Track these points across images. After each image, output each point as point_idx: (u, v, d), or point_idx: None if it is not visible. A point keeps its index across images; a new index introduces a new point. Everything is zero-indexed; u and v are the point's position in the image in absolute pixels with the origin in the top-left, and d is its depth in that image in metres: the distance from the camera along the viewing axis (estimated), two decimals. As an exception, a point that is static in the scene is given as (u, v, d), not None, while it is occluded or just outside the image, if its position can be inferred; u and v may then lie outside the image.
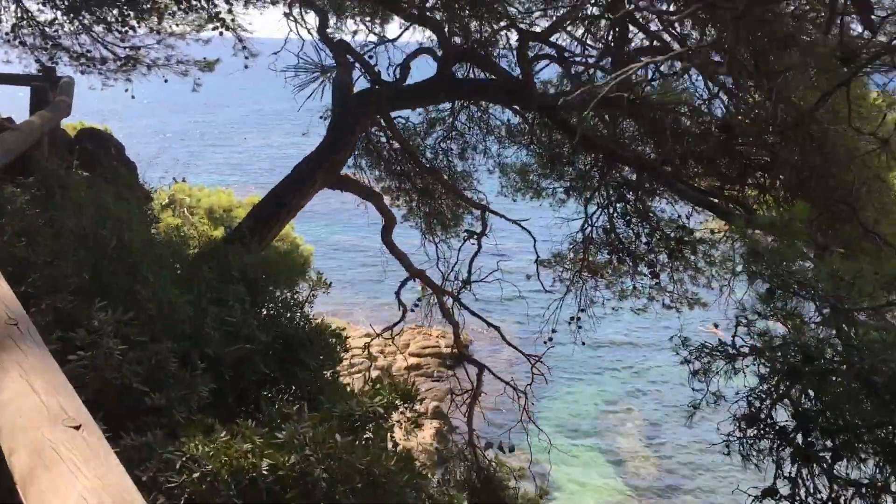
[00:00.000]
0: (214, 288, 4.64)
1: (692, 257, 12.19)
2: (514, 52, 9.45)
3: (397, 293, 12.36)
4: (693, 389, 7.27)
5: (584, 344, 12.94)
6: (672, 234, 12.03)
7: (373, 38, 10.85)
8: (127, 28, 15.22)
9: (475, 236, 11.87)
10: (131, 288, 3.98)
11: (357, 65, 10.25)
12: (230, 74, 15.34)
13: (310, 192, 9.32)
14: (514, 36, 9.64)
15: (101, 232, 4.17)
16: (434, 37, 10.20)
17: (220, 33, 14.20)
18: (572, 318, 12.73)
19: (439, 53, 9.88)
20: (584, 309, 12.71)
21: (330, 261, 36.68)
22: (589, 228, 11.96)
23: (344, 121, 9.43)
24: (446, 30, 9.48)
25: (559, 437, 22.74)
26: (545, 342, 12.81)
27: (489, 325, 11.91)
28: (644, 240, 12.05)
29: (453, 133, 11.85)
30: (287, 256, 21.57)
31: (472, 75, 10.45)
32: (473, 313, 11.92)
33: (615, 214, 12.02)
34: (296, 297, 5.02)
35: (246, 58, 14.77)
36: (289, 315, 4.64)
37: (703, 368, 7.18)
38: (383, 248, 12.06)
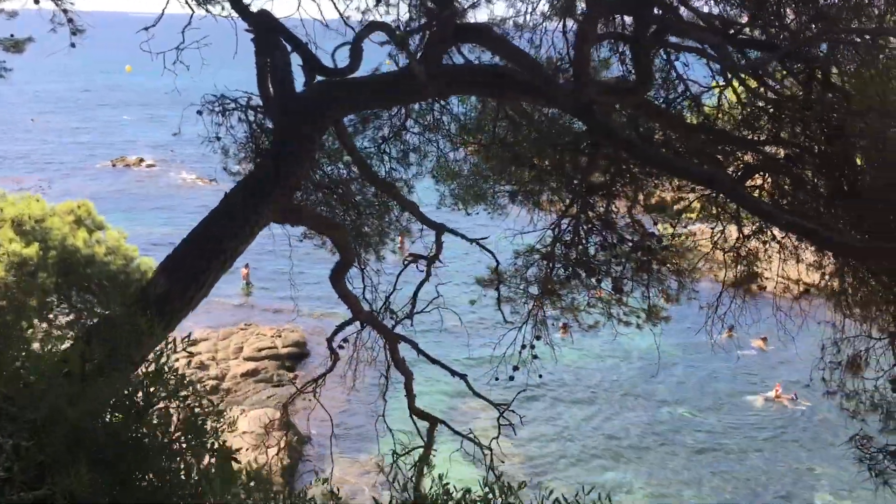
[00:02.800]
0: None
1: (660, 268, 10.32)
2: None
3: (330, 339, 9.41)
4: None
5: (541, 377, 10.69)
6: (639, 244, 10.08)
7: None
8: None
9: (420, 261, 9.19)
10: None
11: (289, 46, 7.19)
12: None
13: (254, 231, 6.27)
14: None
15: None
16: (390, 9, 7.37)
17: (36, 1, 10.66)
18: (524, 346, 10.41)
19: (413, 28, 7.03)
20: (539, 336, 10.44)
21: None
22: (556, 243, 9.67)
23: (296, 127, 6.41)
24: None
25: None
26: (494, 378, 10.47)
27: (454, 374, 9.31)
28: (610, 251, 9.98)
29: (389, 133, 9.07)
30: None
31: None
32: (434, 361, 9.23)
33: (583, 224, 9.82)
34: None
35: (73, 34, 11.32)
36: None
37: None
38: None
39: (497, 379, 10.49)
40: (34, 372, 2.95)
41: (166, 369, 3.25)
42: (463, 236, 8.91)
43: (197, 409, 3.15)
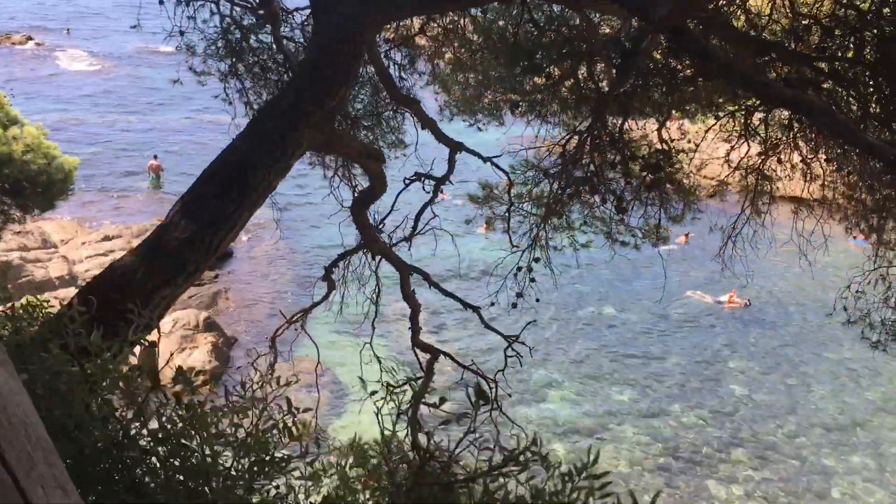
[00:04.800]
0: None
1: (667, 186, 9.59)
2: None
3: (329, 269, 8.26)
4: None
5: (538, 301, 9.87)
6: (650, 161, 9.27)
7: None
8: None
9: (425, 179, 8.09)
10: None
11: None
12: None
13: (290, 163, 5.06)
14: None
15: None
16: None
17: None
18: (520, 269, 9.58)
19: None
20: (538, 258, 9.60)
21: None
22: (567, 163, 8.71)
23: (338, 40, 5.13)
24: None
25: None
26: (491, 303, 9.64)
27: (466, 306, 8.40)
28: (621, 169, 9.15)
29: (396, 37, 7.78)
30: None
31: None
32: (447, 293, 8.28)
33: (594, 140, 8.88)
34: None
35: None
36: None
37: None
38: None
39: (493, 304, 9.69)
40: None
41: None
42: (478, 155, 7.86)
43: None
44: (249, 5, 7.60)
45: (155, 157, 35.22)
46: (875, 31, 7.00)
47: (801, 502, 18.61)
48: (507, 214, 8.66)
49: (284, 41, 7.66)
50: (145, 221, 31.39)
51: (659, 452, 20.14)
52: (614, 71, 7.89)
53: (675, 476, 19.32)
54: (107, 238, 29.16)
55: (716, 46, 6.02)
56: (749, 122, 8.55)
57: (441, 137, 7.60)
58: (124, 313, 4.87)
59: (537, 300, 9.81)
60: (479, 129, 8.90)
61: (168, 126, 40.36)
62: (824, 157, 8.52)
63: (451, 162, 7.86)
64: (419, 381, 8.91)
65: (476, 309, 8.33)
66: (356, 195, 7.34)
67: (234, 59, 8.43)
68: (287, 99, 5.15)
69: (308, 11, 8.11)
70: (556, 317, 26.10)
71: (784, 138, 8.73)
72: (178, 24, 8.61)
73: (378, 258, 8.54)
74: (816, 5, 7.39)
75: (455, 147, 7.61)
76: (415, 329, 8.30)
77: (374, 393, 3.49)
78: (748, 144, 8.66)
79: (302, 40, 8.23)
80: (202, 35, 8.68)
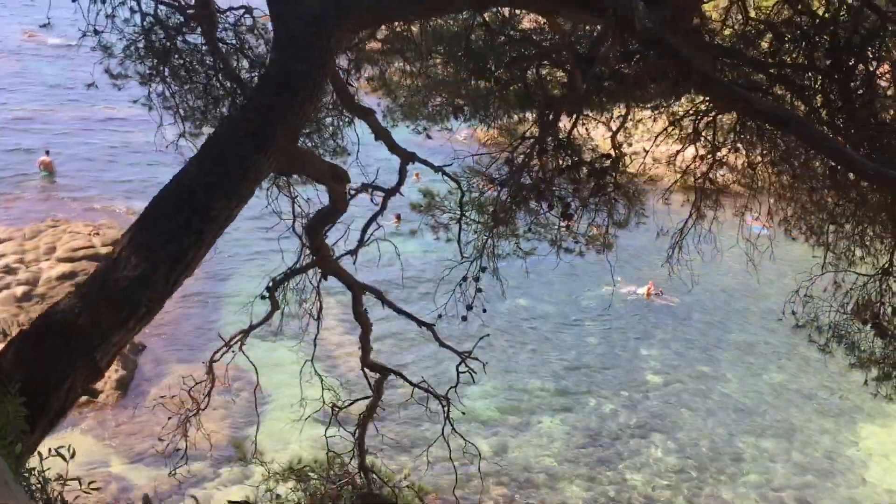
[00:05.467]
0: None
1: (615, 192, 9.39)
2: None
3: (273, 289, 7.61)
4: None
5: (485, 311, 9.49)
6: (597, 166, 9.03)
7: None
8: None
9: (371, 191, 7.58)
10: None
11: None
12: None
13: (253, 186, 4.49)
14: None
15: None
16: None
17: None
18: (465, 279, 9.19)
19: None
20: (484, 268, 9.23)
21: None
22: (515, 171, 8.35)
23: (305, 44, 4.57)
24: None
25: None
26: (438, 316, 9.21)
27: (420, 324, 7.94)
28: (568, 175, 8.87)
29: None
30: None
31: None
32: (401, 311, 7.80)
33: (543, 147, 8.56)
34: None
35: None
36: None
37: None
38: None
39: (441, 317, 9.27)
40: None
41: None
42: (430, 164, 7.41)
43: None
44: (177, 4, 6.90)
45: (47, 152, 33.19)
46: (827, 36, 6.92)
47: (714, 484, 19.05)
48: (452, 224, 8.22)
49: (219, 44, 7.00)
50: (38, 223, 29.46)
51: (579, 442, 20.27)
52: (568, 75, 7.59)
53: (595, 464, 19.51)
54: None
55: (693, 56, 5.76)
56: (697, 126, 8.40)
57: (394, 148, 7.11)
58: (67, 363, 4.24)
59: (484, 310, 9.45)
60: (429, 137, 8.44)
61: (58, 123, 38.11)
62: (769, 160, 8.46)
63: (403, 172, 7.38)
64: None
65: (430, 326, 7.89)
66: (314, 215, 6.77)
67: (156, 62, 7.69)
68: (248, 115, 4.57)
69: (241, 12, 7.49)
70: (479, 311, 25.80)
71: (727, 141, 8.65)
72: (94, 21, 7.82)
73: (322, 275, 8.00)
74: (770, 11, 7.25)
75: (407, 157, 7.13)
76: (365, 348, 7.82)
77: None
78: (695, 148, 8.52)
79: (234, 42, 7.58)
80: (121, 35, 7.91)
